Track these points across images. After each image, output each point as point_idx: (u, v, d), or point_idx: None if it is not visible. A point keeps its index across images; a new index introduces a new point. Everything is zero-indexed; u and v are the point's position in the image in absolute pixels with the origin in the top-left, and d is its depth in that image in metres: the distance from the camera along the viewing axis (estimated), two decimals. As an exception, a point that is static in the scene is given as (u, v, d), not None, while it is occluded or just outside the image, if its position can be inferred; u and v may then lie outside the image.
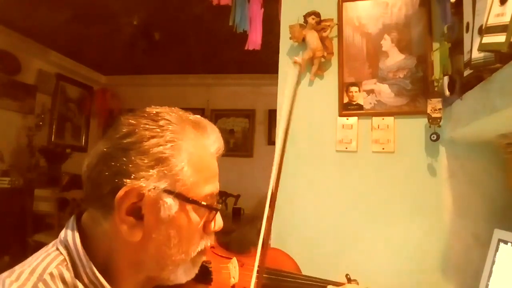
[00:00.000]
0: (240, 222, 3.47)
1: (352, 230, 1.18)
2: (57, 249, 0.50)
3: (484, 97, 0.70)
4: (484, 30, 0.64)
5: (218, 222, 0.58)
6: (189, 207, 0.52)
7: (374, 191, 1.17)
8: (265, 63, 2.59)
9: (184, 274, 0.55)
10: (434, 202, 1.11)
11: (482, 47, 0.65)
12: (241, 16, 1.58)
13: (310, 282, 0.83)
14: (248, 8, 1.60)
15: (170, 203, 0.50)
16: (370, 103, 1.21)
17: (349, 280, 0.86)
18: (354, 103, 1.22)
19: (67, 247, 0.50)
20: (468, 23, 0.77)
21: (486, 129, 0.87)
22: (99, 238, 0.52)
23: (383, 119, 1.19)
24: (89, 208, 0.54)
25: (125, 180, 0.48)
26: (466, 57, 0.77)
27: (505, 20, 0.59)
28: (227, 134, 4.71)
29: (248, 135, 4.68)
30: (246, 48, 1.58)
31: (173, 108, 0.57)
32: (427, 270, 1.09)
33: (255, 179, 4.24)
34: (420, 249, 1.10)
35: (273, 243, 1.23)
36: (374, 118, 1.20)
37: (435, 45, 1.14)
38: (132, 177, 0.49)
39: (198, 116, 0.59)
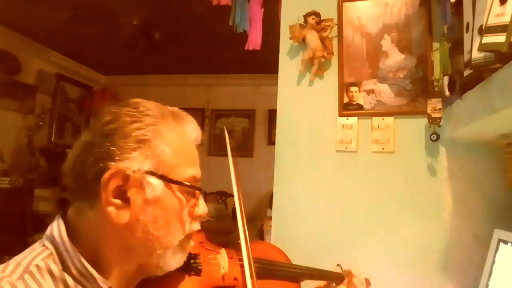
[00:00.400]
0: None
1: (352, 230, 1.18)
2: (43, 245, 0.50)
3: (484, 97, 0.70)
4: (484, 30, 0.64)
5: (202, 207, 0.60)
6: (174, 187, 0.54)
7: (374, 191, 1.17)
8: (265, 63, 2.60)
9: (173, 259, 0.55)
10: (434, 202, 1.11)
11: (482, 47, 0.65)
12: (241, 16, 1.58)
13: (302, 271, 0.84)
14: (248, 8, 1.60)
15: (155, 183, 0.51)
16: (370, 103, 1.21)
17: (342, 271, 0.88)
18: (354, 103, 1.22)
19: (53, 242, 0.50)
20: (468, 23, 0.77)
21: (486, 129, 0.87)
22: (85, 229, 0.52)
23: (383, 119, 1.19)
24: (73, 201, 0.54)
25: (109, 163, 0.49)
26: (466, 57, 0.77)
27: (505, 20, 0.59)
28: (227, 134, 4.71)
29: (248, 135, 4.68)
30: (246, 48, 1.58)
31: (152, 101, 0.59)
32: (427, 270, 1.09)
33: (255, 179, 4.24)
34: (420, 249, 1.10)
35: (273, 242, 1.23)
36: (374, 118, 1.20)
37: (435, 45, 1.14)
38: (117, 159, 0.50)
39: (176, 108, 0.61)
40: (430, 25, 1.17)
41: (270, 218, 1.57)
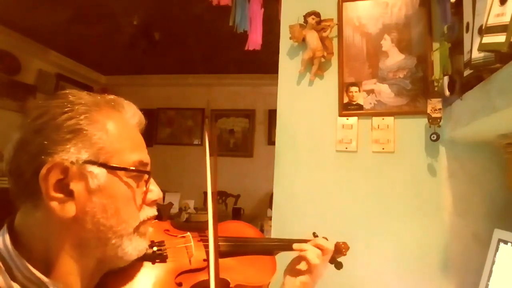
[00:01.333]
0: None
1: (352, 230, 1.18)
2: None
3: (484, 97, 0.70)
4: (484, 30, 0.64)
5: (154, 191, 0.58)
6: (120, 174, 0.52)
7: (374, 191, 1.17)
8: (265, 63, 2.60)
9: (131, 247, 0.53)
10: (434, 202, 1.11)
11: (482, 47, 0.65)
12: (241, 16, 1.58)
13: (273, 243, 0.83)
14: (248, 8, 1.60)
15: (97, 172, 0.50)
16: (370, 103, 1.21)
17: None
18: (354, 103, 1.22)
19: None
20: (468, 23, 0.77)
21: (486, 129, 0.87)
22: (33, 231, 0.50)
23: (383, 119, 1.19)
24: (19, 205, 0.52)
25: (44, 158, 0.47)
26: (466, 57, 0.77)
27: (505, 20, 0.59)
28: (227, 134, 4.72)
29: (248, 135, 4.68)
30: (246, 48, 1.58)
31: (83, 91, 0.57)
32: (427, 270, 1.09)
33: (255, 179, 4.24)
34: (420, 249, 1.10)
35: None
36: (374, 118, 1.20)
37: (435, 45, 1.14)
38: (51, 152, 0.48)
39: (113, 96, 0.59)
40: (430, 25, 1.17)
41: (270, 218, 1.57)
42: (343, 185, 1.20)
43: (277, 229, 1.24)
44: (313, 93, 1.28)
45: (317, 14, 1.24)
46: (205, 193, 4.01)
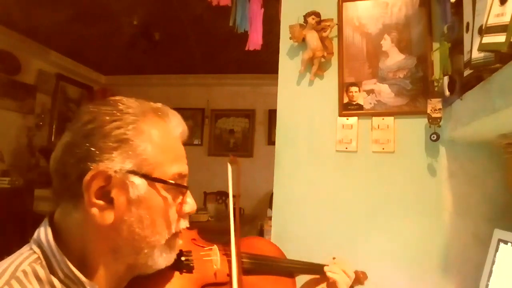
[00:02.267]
0: (240, 222, 3.47)
1: (352, 230, 1.18)
2: (31, 248, 0.50)
3: (484, 97, 0.70)
4: (484, 30, 0.64)
5: (190, 204, 0.58)
6: (158, 186, 0.53)
7: (374, 191, 1.17)
8: (265, 63, 2.60)
9: (162, 258, 0.55)
10: (434, 202, 1.11)
11: (482, 47, 0.65)
12: (241, 17, 1.58)
13: (298, 266, 0.84)
14: (248, 8, 1.60)
15: (138, 183, 0.50)
16: (370, 103, 1.21)
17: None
18: (354, 103, 1.22)
19: (40, 245, 0.50)
20: (468, 23, 0.77)
21: (486, 129, 0.87)
22: (72, 231, 0.51)
23: (383, 119, 1.19)
24: (60, 203, 0.54)
25: (90, 164, 0.48)
26: (466, 57, 0.77)
27: (505, 20, 0.59)
28: (227, 134, 4.72)
29: (248, 135, 4.68)
30: (246, 48, 1.58)
31: (134, 98, 0.58)
32: (427, 270, 1.09)
33: (255, 179, 4.24)
34: (420, 249, 1.10)
35: (273, 242, 1.23)
36: (374, 118, 1.20)
37: (435, 45, 1.14)
38: (97, 159, 0.49)
39: (160, 104, 0.60)
40: (430, 25, 1.17)
41: (270, 218, 1.57)
42: (343, 185, 1.20)
43: (277, 229, 1.24)
44: (313, 93, 1.28)
45: (317, 14, 1.24)
46: (205, 193, 4.02)
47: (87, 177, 0.48)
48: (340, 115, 1.23)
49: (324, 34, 1.23)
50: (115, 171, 0.49)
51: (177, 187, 0.55)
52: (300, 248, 1.18)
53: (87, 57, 4.32)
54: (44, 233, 0.50)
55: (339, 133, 1.23)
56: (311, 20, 1.23)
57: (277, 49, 1.34)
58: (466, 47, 0.77)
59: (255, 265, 0.73)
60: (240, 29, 1.59)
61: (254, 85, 4.56)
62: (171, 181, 0.54)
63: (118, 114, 0.52)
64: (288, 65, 1.32)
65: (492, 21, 0.62)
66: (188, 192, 0.58)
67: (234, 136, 4.70)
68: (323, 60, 1.25)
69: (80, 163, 0.49)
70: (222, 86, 4.75)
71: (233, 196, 0.78)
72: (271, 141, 4.48)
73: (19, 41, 3.59)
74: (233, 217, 0.74)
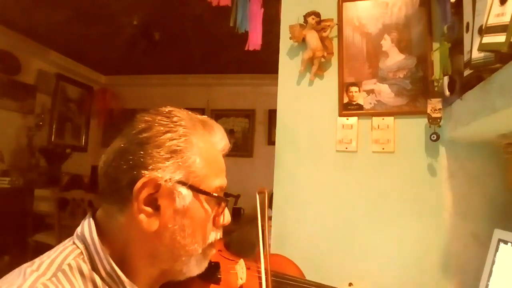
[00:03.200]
0: (240, 222, 3.48)
1: (352, 230, 1.18)
2: (74, 243, 0.52)
3: (484, 97, 0.70)
4: (484, 30, 0.64)
5: (226, 216, 0.61)
6: (201, 198, 0.55)
7: (374, 191, 1.17)
8: (265, 63, 2.59)
9: (196, 266, 0.57)
10: (434, 202, 1.11)
11: (482, 47, 0.65)
12: (242, 17, 1.58)
13: (311, 286, 0.83)
14: (248, 8, 1.59)
15: (185, 193, 0.53)
16: (370, 103, 1.21)
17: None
18: (354, 103, 1.22)
19: (83, 241, 0.51)
20: (468, 23, 0.77)
21: (486, 129, 0.87)
22: (114, 233, 0.53)
23: (383, 119, 1.19)
24: (103, 204, 0.55)
25: (142, 172, 0.51)
26: (466, 57, 0.77)
27: (505, 20, 0.59)
28: (227, 134, 4.70)
29: (248, 135, 4.68)
30: (246, 48, 1.58)
31: (181, 108, 0.61)
32: (427, 270, 1.09)
33: (255, 179, 4.24)
34: (420, 249, 1.10)
35: (272, 242, 1.23)
36: (374, 118, 1.20)
37: (435, 45, 1.14)
38: (150, 168, 0.51)
39: (205, 116, 0.63)
40: (430, 25, 1.17)
41: (270, 218, 1.57)
42: (343, 185, 1.20)
43: (277, 229, 1.24)
44: (313, 93, 1.28)
45: (317, 14, 1.24)
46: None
47: (139, 184, 0.50)
48: (340, 115, 1.23)
49: (324, 34, 1.24)
50: (165, 181, 0.51)
51: (217, 200, 0.58)
52: (300, 248, 1.18)
53: (87, 57, 4.32)
54: (88, 229, 0.52)
55: (339, 133, 1.23)
56: (311, 20, 1.23)
57: (277, 49, 1.34)
58: (466, 47, 0.77)
59: (277, 284, 0.74)
60: (240, 29, 1.59)
61: (254, 85, 4.56)
62: (214, 194, 0.56)
63: (172, 125, 0.55)
64: (288, 65, 1.32)
65: (492, 21, 0.62)
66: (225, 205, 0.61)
67: (234, 136, 4.70)
68: (323, 60, 1.25)
69: (132, 170, 0.51)
70: (222, 86, 4.75)
71: (262, 226, 0.81)
72: (271, 141, 4.48)
73: (19, 41, 3.59)
74: (262, 243, 0.76)
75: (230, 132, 4.71)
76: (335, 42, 1.26)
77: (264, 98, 4.44)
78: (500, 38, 0.59)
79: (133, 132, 0.54)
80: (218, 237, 0.60)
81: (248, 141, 4.66)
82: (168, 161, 0.52)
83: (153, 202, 0.52)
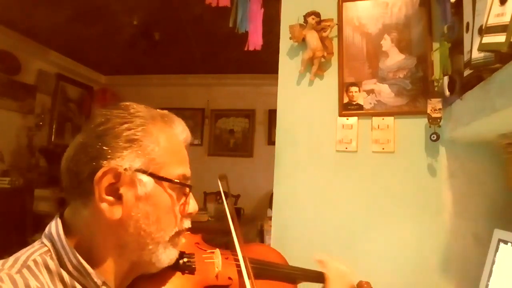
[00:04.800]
0: (240, 222, 3.47)
1: (352, 230, 1.18)
2: (42, 242, 0.53)
3: (484, 97, 0.70)
4: (484, 30, 0.64)
5: (192, 205, 0.61)
6: (164, 184, 0.56)
7: (374, 191, 1.17)
8: (265, 63, 2.59)
9: (165, 255, 0.57)
10: (434, 202, 1.11)
11: (482, 47, 0.65)
12: (242, 17, 1.58)
13: (296, 272, 0.84)
14: (248, 8, 1.59)
15: (146, 180, 0.54)
16: (370, 103, 1.21)
17: None
18: (354, 103, 1.22)
19: (50, 239, 0.52)
20: (468, 23, 0.77)
21: (486, 129, 0.87)
22: (80, 228, 0.54)
23: (383, 119, 1.19)
24: (69, 201, 0.57)
25: (102, 162, 0.52)
26: (466, 57, 0.77)
27: (505, 20, 0.59)
28: (227, 134, 4.72)
29: (248, 135, 4.68)
30: (246, 48, 1.58)
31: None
32: (427, 270, 1.09)
33: (255, 179, 4.24)
34: (420, 249, 1.10)
35: (272, 242, 1.23)
36: (374, 118, 1.20)
37: (435, 45, 1.14)
38: (109, 157, 0.52)
39: (165, 111, 0.64)
40: (430, 25, 1.17)
41: (270, 218, 1.57)
42: (343, 185, 1.20)
43: (277, 229, 1.24)
44: (313, 93, 1.28)
45: (317, 14, 1.24)
46: (205, 193, 4.02)
47: (99, 173, 0.51)
48: (340, 115, 1.23)
49: (324, 34, 1.24)
50: (125, 169, 0.52)
51: (181, 188, 0.59)
52: (300, 247, 1.18)
53: (87, 57, 4.32)
54: (55, 228, 0.53)
55: (339, 133, 1.23)
56: (311, 20, 1.23)
57: (277, 49, 1.34)
58: (466, 47, 0.77)
59: (258, 270, 0.74)
60: (240, 29, 1.59)
61: (254, 85, 4.56)
62: (176, 180, 0.57)
63: (129, 116, 0.56)
64: (288, 65, 1.32)
65: (492, 21, 0.62)
66: (191, 194, 0.61)
67: (234, 136, 4.70)
68: (323, 60, 1.25)
69: (92, 161, 0.52)
70: (222, 86, 4.75)
71: (230, 212, 0.81)
72: (271, 141, 4.48)
73: (19, 41, 3.59)
74: (232, 221, 0.76)
75: (230, 132, 4.71)
76: (335, 42, 1.26)
77: (264, 98, 4.44)
78: (500, 38, 0.59)
79: (92, 126, 0.56)
80: (186, 226, 0.61)
81: (248, 141, 4.66)
82: (126, 150, 0.53)
83: (114, 191, 0.52)
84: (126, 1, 2.89)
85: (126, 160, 0.53)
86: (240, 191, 4.06)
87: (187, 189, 0.60)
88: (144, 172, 0.54)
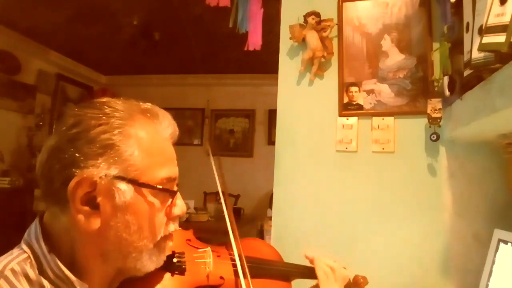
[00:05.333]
0: (240, 222, 3.47)
1: (352, 230, 1.18)
2: (21, 249, 0.50)
3: (484, 97, 0.70)
4: (484, 30, 0.64)
5: (179, 206, 0.57)
6: (145, 191, 0.52)
7: (374, 191, 1.17)
8: (265, 63, 2.59)
9: (150, 261, 0.54)
10: (434, 202, 1.11)
11: (482, 47, 0.65)
12: (242, 17, 1.58)
13: (294, 269, 0.83)
14: (248, 8, 1.59)
15: (124, 189, 0.50)
16: (370, 103, 1.21)
17: None
18: (354, 103, 1.22)
19: (30, 245, 0.49)
20: (468, 23, 0.77)
21: (486, 129, 0.87)
22: (60, 233, 0.51)
23: (383, 119, 1.19)
24: (48, 205, 0.53)
25: (74, 170, 0.48)
26: (466, 57, 0.77)
27: (505, 20, 0.59)
28: (227, 134, 4.72)
29: (248, 135, 4.68)
30: (246, 49, 1.58)
31: (122, 98, 0.56)
32: (427, 270, 1.09)
33: (255, 179, 4.24)
34: (420, 249, 1.10)
35: (272, 242, 1.23)
36: (374, 118, 1.20)
37: (435, 45, 1.14)
38: (82, 166, 0.48)
39: (149, 104, 0.58)
40: (430, 25, 1.17)
41: (270, 218, 1.57)
42: (343, 185, 1.20)
43: (277, 229, 1.24)
44: (313, 93, 1.28)
45: (317, 14, 1.24)
46: (205, 193, 4.01)
47: (72, 183, 0.47)
48: (340, 115, 1.23)
49: (324, 34, 1.24)
50: (100, 177, 0.48)
51: (164, 192, 0.54)
52: (300, 248, 1.18)
53: (87, 57, 4.32)
54: (34, 233, 0.50)
55: (339, 133, 1.23)
56: (311, 20, 1.23)
57: (277, 49, 1.34)
58: (466, 47, 0.77)
59: (253, 269, 0.72)
60: (240, 29, 1.59)
61: (254, 85, 4.56)
62: (158, 186, 0.52)
63: (104, 118, 0.50)
64: (288, 65, 1.32)
65: (492, 21, 0.62)
66: (178, 195, 0.57)
67: (234, 136, 4.70)
68: (323, 60, 1.25)
69: (65, 169, 0.48)
70: (222, 86, 4.74)
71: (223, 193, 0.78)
72: (271, 141, 4.48)
73: (19, 41, 3.59)
74: (227, 215, 0.74)
75: (230, 132, 4.71)
76: (335, 42, 1.26)
77: (264, 98, 4.44)
78: (500, 38, 0.59)
79: (64, 128, 0.50)
80: (173, 229, 0.57)
81: (248, 141, 4.66)
82: (101, 156, 0.48)
83: (91, 200, 0.49)
84: (126, 1, 2.89)
85: (101, 168, 0.48)
86: (240, 191, 4.06)
87: (173, 193, 0.55)
88: (122, 179, 0.49)
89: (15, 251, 0.50)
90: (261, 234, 2.87)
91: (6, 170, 3.41)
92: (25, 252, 0.49)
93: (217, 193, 0.83)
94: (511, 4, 0.59)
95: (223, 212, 0.81)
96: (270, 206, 2.09)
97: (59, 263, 0.47)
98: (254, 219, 3.59)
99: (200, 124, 4.76)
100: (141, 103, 0.57)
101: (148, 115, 0.55)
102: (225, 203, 0.78)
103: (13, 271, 0.46)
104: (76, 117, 0.51)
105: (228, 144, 4.69)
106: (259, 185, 4.06)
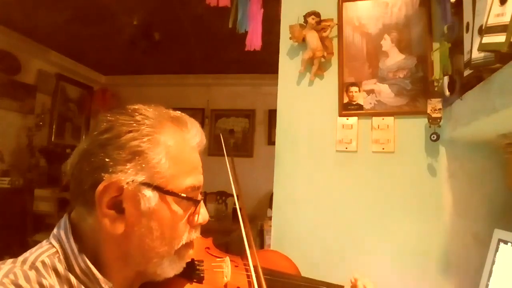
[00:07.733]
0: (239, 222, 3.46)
1: (351, 230, 1.18)
2: (50, 243, 0.51)
3: (484, 97, 0.70)
4: (484, 30, 0.64)
5: (202, 215, 0.59)
6: (169, 199, 0.53)
7: (374, 191, 1.17)
8: (265, 63, 2.59)
9: (170, 267, 0.55)
10: (434, 202, 1.11)
11: (482, 47, 0.65)
12: (242, 17, 1.58)
13: (309, 284, 0.82)
14: (248, 8, 1.59)
15: (149, 195, 0.51)
16: (370, 103, 1.21)
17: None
18: (354, 103, 1.22)
19: (59, 241, 0.51)
20: (468, 23, 0.77)
21: (486, 129, 0.87)
22: (86, 233, 0.53)
23: (383, 119, 1.19)
24: (75, 205, 0.55)
25: (103, 175, 0.50)
26: (466, 57, 0.77)
27: (505, 20, 0.59)
28: (227, 134, 4.72)
29: (248, 135, 4.68)
30: (246, 49, 1.58)
31: (153, 105, 0.58)
32: (427, 270, 1.09)
33: (255, 179, 4.24)
34: (420, 249, 1.10)
35: (272, 242, 1.23)
36: (374, 118, 1.20)
37: (435, 45, 1.14)
38: (110, 171, 0.50)
39: (179, 112, 0.60)
40: (430, 25, 1.17)
41: (270, 218, 1.57)
42: (343, 185, 1.20)
43: (277, 229, 1.24)
44: (313, 93, 1.28)
45: (317, 14, 1.24)
46: (205, 193, 4.01)
47: (100, 187, 0.49)
48: (340, 115, 1.23)
49: (324, 34, 1.23)
50: (128, 183, 0.50)
51: (188, 200, 0.56)
52: (300, 248, 1.18)
53: (87, 57, 4.32)
54: (64, 229, 0.52)
55: (339, 133, 1.23)
56: (311, 20, 1.23)
57: (277, 49, 1.34)
58: (466, 47, 0.77)
59: (269, 282, 0.72)
60: (240, 29, 1.59)
61: (254, 85, 4.56)
62: (183, 195, 0.54)
63: (135, 124, 0.52)
64: (288, 65, 1.32)
65: (492, 21, 0.62)
66: (202, 203, 0.58)
67: (234, 136, 4.70)
68: (323, 60, 1.25)
69: (94, 173, 0.50)
70: (222, 86, 4.75)
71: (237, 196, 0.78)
72: (271, 141, 4.48)
73: (19, 41, 3.59)
74: (243, 226, 0.75)
75: (230, 132, 4.71)
76: (335, 42, 1.26)
77: (264, 98, 4.44)
78: (500, 38, 0.59)
79: (95, 133, 0.53)
80: (195, 237, 0.58)
81: (248, 141, 4.66)
82: (130, 162, 0.50)
83: (117, 205, 0.50)
84: (126, 1, 2.89)
85: (129, 174, 0.50)
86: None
87: (197, 202, 0.57)
88: (148, 186, 0.51)
89: (45, 245, 0.51)
90: (261, 234, 2.88)
91: (6, 170, 3.41)
92: (53, 246, 0.50)
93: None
94: (511, 4, 0.59)
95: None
96: (270, 206, 2.09)
97: (87, 260, 0.49)
98: (254, 219, 3.59)
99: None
100: (171, 110, 0.59)
101: (177, 123, 0.57)
102: (242, 216, 0.78)
103: (43, 263, 0.48)
104: (108, 122, 0.53)
105: (228, 144, 4.69)
106: (259, 185, 4.05)
